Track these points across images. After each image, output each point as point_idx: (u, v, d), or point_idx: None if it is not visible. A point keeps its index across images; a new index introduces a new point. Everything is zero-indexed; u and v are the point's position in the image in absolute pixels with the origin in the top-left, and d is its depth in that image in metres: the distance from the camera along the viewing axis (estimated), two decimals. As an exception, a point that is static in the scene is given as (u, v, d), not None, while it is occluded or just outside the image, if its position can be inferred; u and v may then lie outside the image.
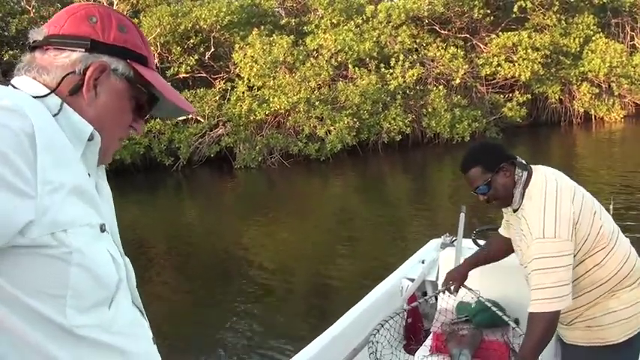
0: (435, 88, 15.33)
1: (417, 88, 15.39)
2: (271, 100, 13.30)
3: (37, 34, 0.97)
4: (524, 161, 2.10)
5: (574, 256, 1.93)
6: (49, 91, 0.93)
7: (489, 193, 2.06)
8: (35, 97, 0.90)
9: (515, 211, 2.12)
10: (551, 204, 1.94)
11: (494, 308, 2.52)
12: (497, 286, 2.65)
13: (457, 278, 2.53)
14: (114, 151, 1.07)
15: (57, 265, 0.85)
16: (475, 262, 2.56)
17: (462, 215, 3.48)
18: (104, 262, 0.93)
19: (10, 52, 13.09)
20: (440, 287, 2.61)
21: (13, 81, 0.95)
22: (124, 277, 1.00)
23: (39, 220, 0.81)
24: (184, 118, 13.90)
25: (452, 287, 2.52)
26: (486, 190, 2.05)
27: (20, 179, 0.78)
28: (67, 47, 0.95)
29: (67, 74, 0.94)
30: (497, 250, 2.46)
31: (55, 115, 0.91)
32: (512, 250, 2.30)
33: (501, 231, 2.44)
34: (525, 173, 2.06)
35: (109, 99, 0.99)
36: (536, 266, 1.90)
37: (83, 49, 0.95)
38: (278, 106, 13.19)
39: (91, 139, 0.95)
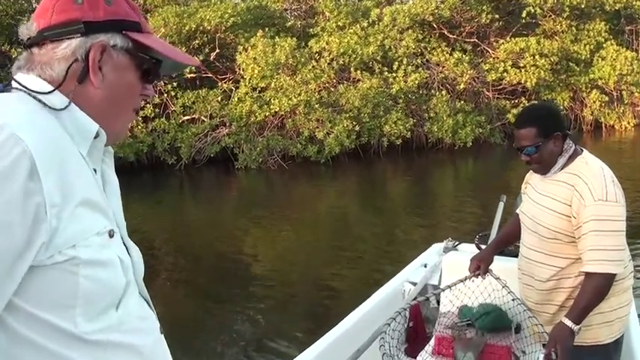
0: (438, 92, 15.23)
1: (421, 92, 15.29)
2: (272, 101, 13.35)
3: (28, 31, 0.96)
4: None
5: None
6: (52, 88, 0.93)
7: (534, 156, 2.12)
8: (40, 94, 0.91)
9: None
10: (608, 173, 2.06)
11: (514, 297, 2.42)
12: (498, 293, 2.63)
13: (485, 258, 2.53)
14: (130, 123, 1.08)
15: (66, 278, 0.86)
16: (496, 245, 2.64)
17: (501, 205, 3.55)
18: (112, 270, 0.94)
19: (19, 50, 13.30)
20: (468, 275, 2.57)
21: (16, 77, 0.94)
22: (132, 278, 1.00)
23: (49, 242, 0.83)
24: (190, 117, 14.06)
25: (480, 272, 2.52)
26: (533, 152, 2.11)
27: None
28: (63, 37, 0.93)
29: (71, 64, 0.94)
30: (517, 229, 2.48)
31: (59, 110, 0.91)
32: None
33: (519, 210, 2.50)
34: (574, 147, 2.14)
35: (116, 76, 0.98)
36: (596, 227, 1.95)
37: (79, 34, 0.93)
38: (278, 108, 13.24)
39: (96, 136, 0.96)
